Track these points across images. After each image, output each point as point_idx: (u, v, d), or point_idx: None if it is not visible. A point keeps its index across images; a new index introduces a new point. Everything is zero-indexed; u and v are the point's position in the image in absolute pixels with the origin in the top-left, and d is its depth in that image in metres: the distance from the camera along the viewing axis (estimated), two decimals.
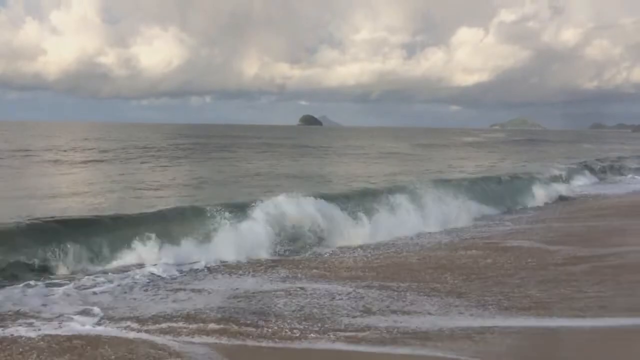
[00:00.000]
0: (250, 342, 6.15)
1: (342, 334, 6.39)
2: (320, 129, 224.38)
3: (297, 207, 12.41)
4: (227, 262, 9.99)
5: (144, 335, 6.27)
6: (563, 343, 6.28)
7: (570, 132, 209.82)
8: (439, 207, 14.70)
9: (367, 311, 7.20)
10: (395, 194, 14.77)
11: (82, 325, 6.56)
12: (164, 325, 6.63)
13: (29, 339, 6.02)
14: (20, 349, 5.76)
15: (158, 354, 5.71)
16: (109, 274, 8.87)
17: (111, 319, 6.83)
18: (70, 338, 6.08)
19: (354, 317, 6.97)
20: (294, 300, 7.62)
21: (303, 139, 72.08)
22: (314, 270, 9.52)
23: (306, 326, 6.62)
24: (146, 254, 9.72)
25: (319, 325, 6.67)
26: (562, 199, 20.03)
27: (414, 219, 13.71)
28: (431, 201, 14.77)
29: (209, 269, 9.59)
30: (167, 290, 8.22)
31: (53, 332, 6.24)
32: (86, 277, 8.66)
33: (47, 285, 8.15)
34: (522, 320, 6.81)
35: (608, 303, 7.31)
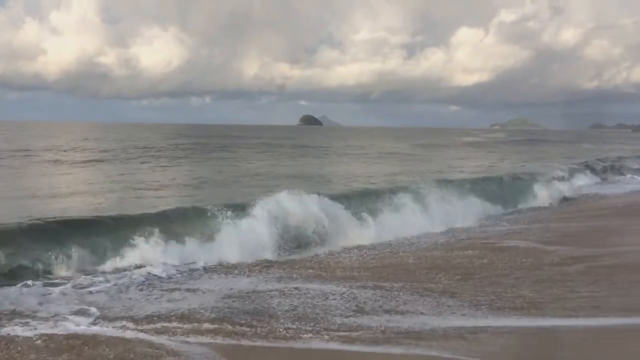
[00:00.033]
0: (244, 342, 6.18)
1: (335, 333, 6.42)
2: (320, 129, 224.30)
3: (300, 205, 12.32)
4: (227, 262, 9.99)
5: (141, 335, 6.30)
6: (555, 343, 6.31)
7: (570, 132, 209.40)
8: (444, 208, 14.62)
9: (361, 311, 7.23)
10: (398, 194, 14.71)
11: (77, 325, 6.59)
12: (158, 325, 6.66)
13: (26, 338, 6.05)
14: (19, 348, 5.79)
15: (156, 352, 5.74)
16: (108, 274, 8.90)
17: (106, 319, 6.86)
18: (67, 337, 6.11)
19: (347, 316, 7.01)
20: (287, 300, 7.65)
21: (303, 139, 71.98)
22: (310, 271, 9.54)
23: (299, 326, 6.66)
24: (147, 254, 9.72)
25: (312, 324, 6.71)
26: (565, 199, 19.86)
27: (419, 220, 13.61)
28: (435, 201, 14.68)
29: (205, 268, 9.62)
30: (162, 290, 8.26)
31: (49, 332, 6.28)
32: (84, 276, 8.71)
33: (45, 285, 8.20)
34: (514, 320, 6.84)
35: (601, 303, 7.32)
